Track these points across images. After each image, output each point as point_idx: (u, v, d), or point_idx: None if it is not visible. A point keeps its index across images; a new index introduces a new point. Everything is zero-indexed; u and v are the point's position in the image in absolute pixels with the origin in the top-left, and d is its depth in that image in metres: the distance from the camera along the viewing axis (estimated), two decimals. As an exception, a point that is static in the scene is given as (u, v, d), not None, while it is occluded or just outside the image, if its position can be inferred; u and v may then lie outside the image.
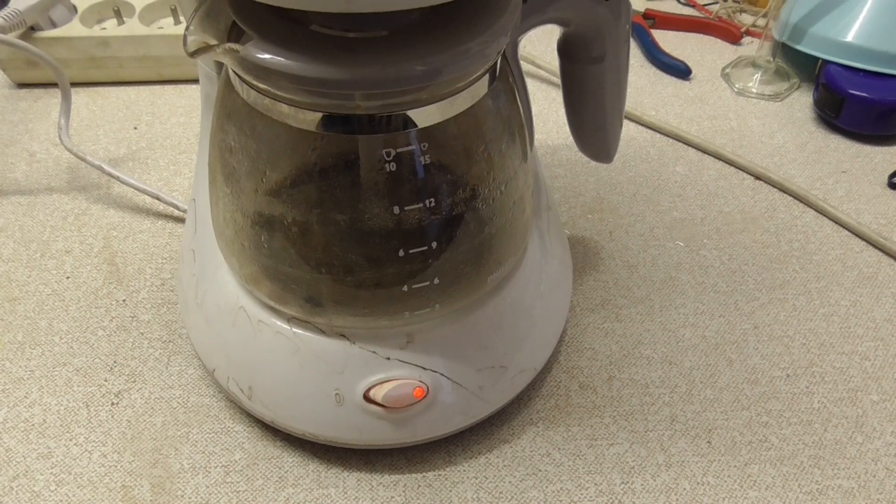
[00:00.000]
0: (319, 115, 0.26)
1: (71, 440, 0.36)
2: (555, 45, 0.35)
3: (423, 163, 0.28)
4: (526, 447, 0.36)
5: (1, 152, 0.54)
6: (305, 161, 0.29)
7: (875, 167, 0.54)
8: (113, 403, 0.37)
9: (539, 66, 0.63)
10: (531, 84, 0.63)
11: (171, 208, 0.48)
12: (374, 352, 0.32)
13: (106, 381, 0.38)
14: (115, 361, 0.39)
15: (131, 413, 0.37)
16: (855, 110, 0.55)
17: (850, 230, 0.48)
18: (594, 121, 0.37)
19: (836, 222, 0.49)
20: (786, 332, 0.42)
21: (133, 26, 0.60)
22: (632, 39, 0.66)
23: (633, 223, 0.49)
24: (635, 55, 0.67)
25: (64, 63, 0.57)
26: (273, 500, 0.33)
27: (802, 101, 0.61)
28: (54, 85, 0.59)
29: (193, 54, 0.24)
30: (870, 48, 0.56)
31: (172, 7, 0.63)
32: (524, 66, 0.59)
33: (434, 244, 0.29)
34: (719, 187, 0.52)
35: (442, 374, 0.32)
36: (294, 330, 0.32)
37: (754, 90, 0.62)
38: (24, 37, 0.57)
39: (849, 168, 0.54)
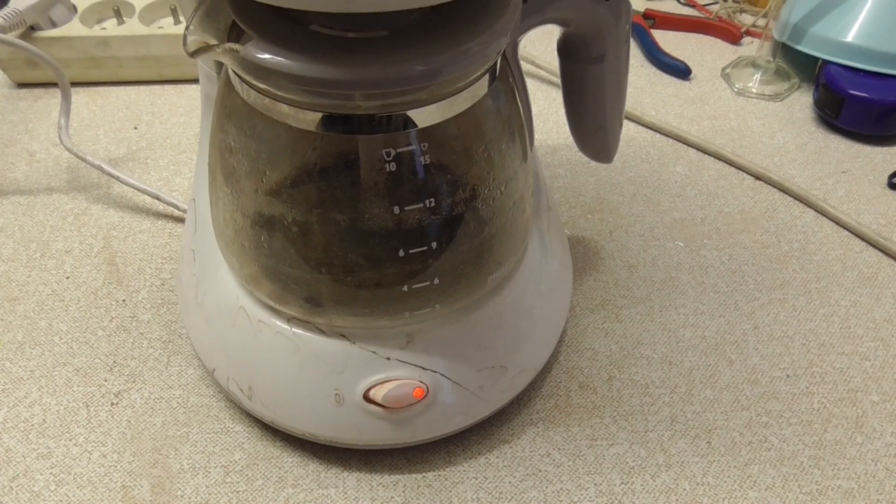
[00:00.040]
0: (319, 115, 0.26)
1: (71, 440, 0.36)
2: (555, 45, 0.35)
3: (423, 163, 0.28)
4: (526, 447, 0.36)
5: (1, 152, 0.54)
6: (305, 161, 0.29)
7: (875, 167, 0.54)
8: (113, 403, 0.37)
9: (539, 66, 0.63)
10: (531, 84, 0.63)
11: (171, 208, 0.48)
12: (374, 352, 0.32)
13: (106, 381, 0.38)
14: (114, 361, 0.39)
15: (131, 413, 0.37)
16: (855, 110, 0.55)
17: (850, 230, 0.48)
18: (594, 121, 0.37)
19: (836, 222, 0.49)
20: (786, 332, 0.42)
21: (133, 26, 0.60)
22: (632, 39, 0.66)
23: (633, 223, 0.49)
24: (635, 55, 0.67)
25: (64, 63, 0.57)
26: (273, 501, 0.33)
27: (802, 101, 0.61)
28: (54, 85, 0.59)
29: (193, 54, 0.24)
30: (870, 48, 0.56)
31: (172, 7, 0.63)
32: (524, 66, 0.59)
33: (434, 244, 0.29)
34: (719, 187, 0.52)
35: (442, 374, 0.32)
36: (294, 330, 0.32)
37: (754, 90, 0.62)
38: (24, 36, 0.57)
39: (849, 168, 0.54)
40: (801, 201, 0.51)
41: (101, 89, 0.61)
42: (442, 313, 0.32)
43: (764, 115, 0.59)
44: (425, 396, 0.32)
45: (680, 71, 0.63)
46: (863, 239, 0.48)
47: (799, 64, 0.63)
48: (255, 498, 0.34)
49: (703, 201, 0.51)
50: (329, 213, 0.28)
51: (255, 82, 0.26)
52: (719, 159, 0.55)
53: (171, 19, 0.63)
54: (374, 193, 0.28)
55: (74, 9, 0.61)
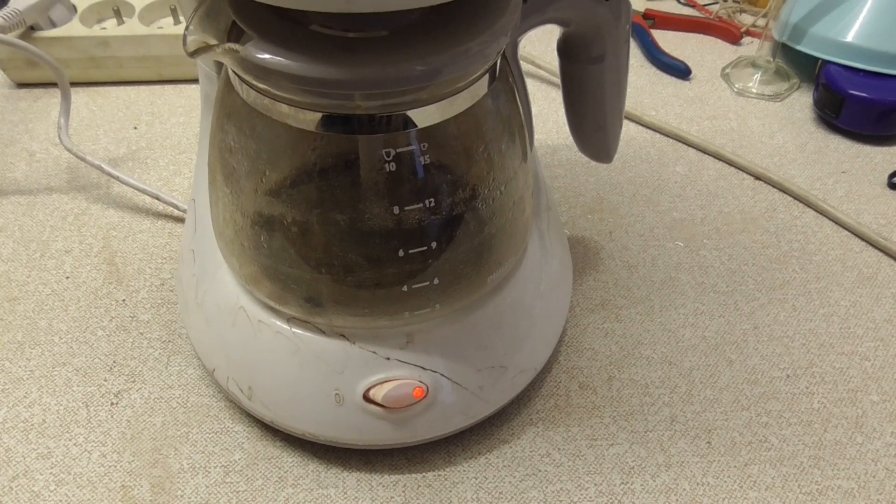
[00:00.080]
0: (319, 115, 0.26)
1: (70, 440, 0.36)
2: (555, 45, 0.35)
3: (422, 163, 0.28)
4: (526, 447, 0.36)
5: (1, 152, 0.54)
6: (305, 161, 0.29)
7: (875, 167, 0.54)
8: (112, 403, 0.37)
9: (539, 66, 0.63)
10: (531, 84, 0.63)
11: (171, 208, 0.48)
12: (374, 352, 0.32)
13: (105, 380, 0.38)
14: (114, 361, 0.39)
15: (131, 413, 0.37)
16: (855, 110, 0.55)
17: (849, 230, 0.48)
18: (594, 121, 0.37)
19: (836, 222, 0.49)
20: (786, 332, 0.42)
21: (133, 26, 0.60)
22: (632, 39, 0.66)
23: (633, 223, 0.49)
24: (635, 55, 0.67)
25: (64, 63, 0.57)
26: (273, 500, 0.33)
27: (802, 101, 0.61)
28: (54, 85, 0.59)
29: (193, 54, 0.24)
30: (870, 48, 0.56)
31: (172, 7, 0.63)
32: (524, 66, 0.59)
33: (434, 244, 0.29)
34: (719, 187, 0.52)
35: (442, 374, 0.32)
36: (294, 330, 0.32)
37: (754, 90, 0.62)
38: (23, 36, 0.57)
39: (849, 168, 0.54)
40: (801, 201, 0.51)
41: (100, 89, 0.61)
42: (442, 313, 0.32)
43: (764, 115, 0.59)
44: (425, 396, 0.32)
45: (680, 71, 0.63)
46: (863, 239, 0.48)
47: (799, 64, 0.63)
48: (254, 498, 0.34)
49: (702, 201, 0.51)
50: (329, 213, 0.28)
51: (254, 82, 0.26)
52: (719, 159, 0.55)
53: (170, 19, 0.63)
54: (373, 193, 0.28)
55: (74, 9, 0.61)
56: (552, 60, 0.58)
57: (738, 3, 0.73)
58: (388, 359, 0.32)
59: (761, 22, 0.70)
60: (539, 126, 0.58)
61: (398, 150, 0.27)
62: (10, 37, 0.52)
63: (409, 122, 0.27)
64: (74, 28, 0.59)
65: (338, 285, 0.30)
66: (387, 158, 0.27)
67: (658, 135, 0.57)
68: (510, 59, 0.31)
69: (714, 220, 0.49)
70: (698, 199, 0.51)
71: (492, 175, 0.30)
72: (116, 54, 0.59)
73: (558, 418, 0.37)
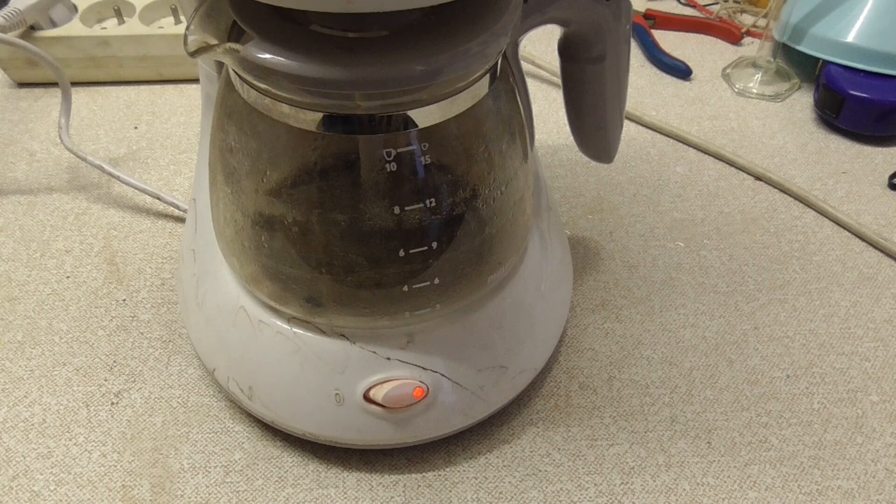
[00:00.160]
0: (320, 115, 0.26)
1: (71, 440, 0.36)
2: (555, 45, 0.35)
3: (423, 163, 0.28)
4: (526, 447, 0.36)
5: (1, 152, 0.54)
6: (306, 161, 0.29)
7: (875, 168, 0.54)
8: (113, 403, 0.37)
9: (539, 66, 0.63)
10: (531, 84, 0.63)
11: (172, 208, 0.48)
12: (374, 352, 0.32)
13: (106, 380, 0.38)
14: (114, 361, 0.39)
15: (131, 413, 0.37)
16: (855, 111, 0.55)
17: (850, 231, 0.48)
18: (594, 121, 0.37)
19: (837, 223, 0.49)
20: (786, 332, 0.42)
21: (133, 26, 0.60)
22: (632, 39, 0.67)
23: (634, 223, 0.49)
24: (636, 55, 0.67)
25: (64, 62, 0.57)
26: (273, 500, 0.33)
27: (803, 101, 0.61)
28: (54, 84, 0.59)
29: (194, 54, 0.24)
30: (870, 49, 0.56)
31: (173, 7, 0.63)
32: (524, 66, 0.59)
33: (434, 244, 0.29)
34: (720, 188, 0.52)
35: (442, 375, 0.32)
36: (294, 330, 0.32)
37: (755, 90, 0.62)
38: (24, 36, 0.57)
39: (849, 169, 0.54)
40: (802, 202, 0.51)
41: (101, 89, 0.61)
42: (442, 313, 0.32)
43: (764, 116, 0.59)
44: (425, 396, 0.32)
45: (680, 71, 0.63)
46: (863, 239, 0.48)
47: (799, 64, 0.63)
48: (254, 497, 0.34)
49: (703, 201, 0.51)
50: (329, 213, 0.28)
51: (255, 82, 0.26)
52: (719, 159, 0.55)
53: (171, 19, 0.63)
54: (374, 193, 0.28)
55: (75, 8, 0.61)
56: (552, 60, 0.58)
57: (739, 3, 0.73)
58: (389, 359, 0.32)
59: (762, 22, 0.70)
60: (539, 126, 0.58)
61: (399, 150, 0.27)
62: (11, 36, 0.52)
63: (409, 122, 0.27)
64: (75, 28, 0.59)
65: (338, 285, 0.30)
66: (387, 158, 0.27)
67: (658, 135, 0.57)
68: (511, 59, 0.31)
69: (714, 220, 0.49)
70: (699, 199, 0.51)
71: (492, 175, 0.30)
72: (117, 54, 0.59)
73: (558, 418, 0.37)
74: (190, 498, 0.33)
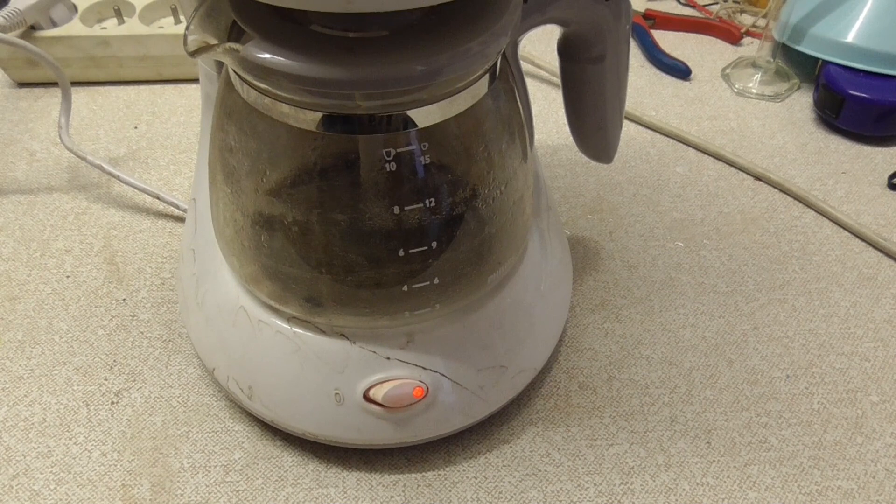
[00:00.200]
0: (320, 114, 0.26)
1: (71, 439, 0.36)
2: (555, 45, 0.35)
3: (423, 163, 0.28)
4: (525, 447, 0.36)
5: (1, 151, 0.54)
6: (306, 161, 0.29)
7: (875, 168, 0.54)
8: (113, 402, 0.37)
9: (539, 66, 0.63)
10: (531, 84, 0.63)
11: (172, 208, 0.48)
12: (374, 351, 0.32)
13: (106, 380, 0.38)
14: (114, 360, 0.39)
15: (131, 412, 0.37)
16: (855, 111, 0.55)
17: (849, 231, 0.48)
18: (594, 121, 0.37)
19: (836, 223, 0.49)
20: (785, 332, 0.42)
21: (133, 26, 0.60)
22: (632, 40, 0.66)
23: (633, 223, 0.49)
24: (635, 55, 0.67)
25: (64, 62, 0.57)
26: (272, 500, 0.33)
27: (802, 101, 0.61)
28: (55, 84, 0.59)
29: (194, 54, 0.24)
30: (870, 49, 0.56)
31: (173, 6, 0.63)
32: (524, 66, 0.59)
33: (434, 244, 0.29)
34: (719, 188, 0.52)
35: (442, 374, 0.32)
36: (294, 329, 0.32)
37: (754, 91, 0.62)
38: (24, 36, 0.57)
39: (849, 169, 0.54)
40: (801, 202, 0.51)
41: (101, 89, 0.61)
42: (442, 313, 0.32)
43: (764, 116, 0.59)
44: (425, 396, 0.32)
45: (680, 71, 0.63)
46: (863, 239, 0.48)
47: (799, 64, 0.63)
48: (254, 497, 0.34)
49: (703, 201, 0.51)
50: (329, 213, 0.28)
51: (255, 82, 0.27)
52: (719, 160, 0.55)
53: (171, 19, 0.63)
54: (374, 193, 0.28)
55: (75, 8, 0.61)
56: (552, 60, 0.58)
57: (739, 3, 0.73)
58: (389, 358, 0.32)
59: (761, 22, 0.70)
60: (539, 126, 0.58)
61: (398, 150, 0.27)
62: (11, 36, 0.52)
63: (409, 122, 0.27)
64: (75, 28, 0.59)
65: (338, 285, 0.30)
66: (387, 158, 0.27)
67: (658, 135, 0.57)
68: (510, 59, 0.31)
69: (714, 220, 0.49)
70: (698, 199, 0.51)
71: (492, 175, 0.30)
72: (117, 54, 0.59)
73: (558, 418, 0.37)
74: (190, 497, 0.34)
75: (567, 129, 0.39)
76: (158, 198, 0.48)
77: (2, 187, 0.51)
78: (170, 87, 0.61)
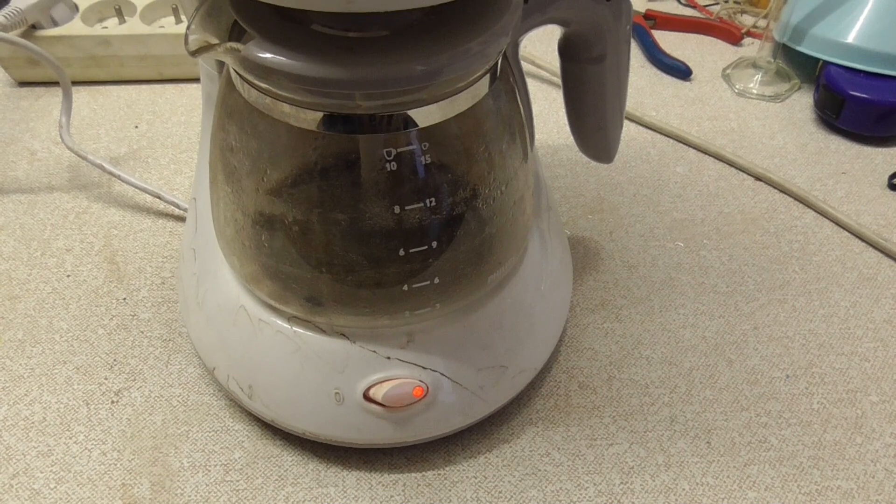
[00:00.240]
0: (320, 114, 0.26)
1: (71, 438, 0.36)
2: (555, 45, 0.35)
3: (423, 162, 0.28)
4: (525, 447, 0.36)
5: (2, 150, 0.54)
6: (306, 160, 0.29)
7: (875, 168, 0.54)
8: (113, 402, 0.37)
9: (539, 66, 0.63)
10: (531, 84, 0.63)
11: (172, 207, 0.48)
12: (374, 351, 0.32)
13: (106, 379, 0.38)
14: (115, 360, 0.39)
15: (131, 411, 0.37)
16: (855, 111, 0.55)
17: (850, 231, 0.48)
18: (594, 121, 0.37)
19: (836, 223, 0.49)
20: (785, 332, 0.42)
21: (134, 25, 0.60)
22: (632, 40, 0.67)
23: (634, 223, 0.49)
24: (636, 56, 0.67)
25: (65, 62, 0.57)
26: (272, 499, 0.34)
27: (803, 102, 0.61)
28: (55, 83, 0.59)
29: (195, 53, 0.24)
30: (870, 49, 0.56)
31: (174, 6, 0.63)
32: (524, 66, 0.59)
33: (434, 244, 0.29)
34: (719, 188, 0.52)
35: (442, 374, 0.32)
36: (294, 329, 0.32)
37: (755, 91, 0.62)
38: (25, 35, 0.57)
39: (849, 169, 0.54)
40: (802, 202, 0.51)
41: (102, 88, 0.61)
42: (442, 313, 0.32)
43: (764, 116, 0.59)
44: (425, 396, 0.32)
45: (680, 71, 0.64)
46: (863, 240, 0.48)
47: (799, 65, 0.64)
48: (254, 496, 0.34)
49: (703, 202, 0.51)
50: (330, 213, 0.28)
51: (256, 82, 0.27)
52: (719, 160, 0.55)
53: (172, 18, 0.63)
54: (374, 193, 0.28)
55: (76, 8, 0.61)
56: (552, 60, 0.58)
57: (739, 3, 0.73)
58: (389, 358, 0.32)
59: (762, 23, 0.70)
60: (539, 126, 0.58)
61: (399, 150, 0.27)
62: (12, 35, 0.52)
63: (409, 122, 0.27)
64: (76, 27, 0.59)
65: (338, 284, 0.30)
66: (387, 158, 0.27)
67: (658, 135, 0.57)
68: (511, 59, 0.31)
69: (714, 220, 0.49)
70: (698, 199, 0.51)
71: (492, 175, 0.30)
72: (118, 53, 0.59)
73: (558, 418, 0.37)
74: (190, 496, 0.34)
75: (567, 129, 0.39)
76: (159, 197, 0.48)
77: (2, 186, 0.51)
78: (171, 87, 0.61)
